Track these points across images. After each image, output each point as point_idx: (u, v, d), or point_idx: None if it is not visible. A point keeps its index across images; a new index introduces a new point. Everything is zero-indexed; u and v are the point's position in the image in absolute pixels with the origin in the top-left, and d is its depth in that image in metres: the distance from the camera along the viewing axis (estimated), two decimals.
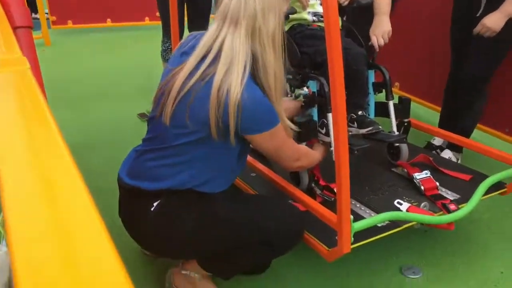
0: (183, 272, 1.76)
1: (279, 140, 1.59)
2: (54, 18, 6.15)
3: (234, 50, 1.47)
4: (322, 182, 1.97)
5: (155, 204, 1.55)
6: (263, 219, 1.63)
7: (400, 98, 2.23)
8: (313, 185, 2.01)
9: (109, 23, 6.44)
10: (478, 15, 2.47)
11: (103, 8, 6.34)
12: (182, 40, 1.65)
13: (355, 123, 2.11)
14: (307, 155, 1.79)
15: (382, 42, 2.19)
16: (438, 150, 2.78)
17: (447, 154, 2.73)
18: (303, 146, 1.81)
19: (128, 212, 1.64)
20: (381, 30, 2.22)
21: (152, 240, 1.62)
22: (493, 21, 2.36)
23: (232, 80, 1.43)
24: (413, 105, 3.25)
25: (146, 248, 1.72)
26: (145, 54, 5.04)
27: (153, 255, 1.95)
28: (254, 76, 1.52)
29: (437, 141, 2.87)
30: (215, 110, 1.43)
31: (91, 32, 6.36)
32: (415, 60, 3.33)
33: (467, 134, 2.66)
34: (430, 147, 2.84)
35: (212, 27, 1.54)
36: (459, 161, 2.70)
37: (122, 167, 1.67)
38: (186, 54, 1.56)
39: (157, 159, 1.56)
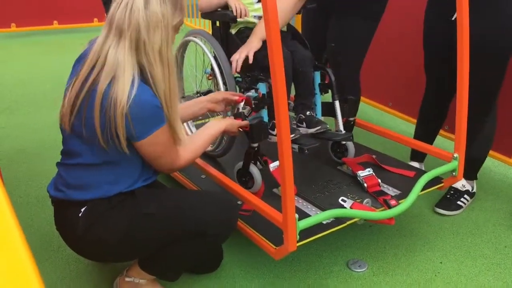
0: (127, 279, 1.75)
1: (162, 144, 1.57)
2: None
3: (119, 61, 1.47)
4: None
5: (82, 210, 1.57)
6: (190, 210, 1.65)
7: (345, 98, 2.30)
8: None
9: (56, 25, 6.27)
10: (453, 18, 2.19)
11: (49, 9, 6.16)
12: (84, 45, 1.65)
13: (304, 123, 2.17)
14: (181, 164, 1.70)
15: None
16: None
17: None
18: (183, 158, 1.69)
19: (60, 222, 1.66)
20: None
21: (86, 246, 1.63)
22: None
23: (118, 92, 1.43)
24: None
25: (83, 255, 1.72)
26: None
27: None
28: (147, 83, 1.52)
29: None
30: (99, 119, 1.45)
31: (37, 35, 6.18)
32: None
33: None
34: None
35: (101, 34, 1.54)
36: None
37: (51, 181, 1.70)
38: (78, 62, 1.59)
39: (76, 171, 1.59)
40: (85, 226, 1.57)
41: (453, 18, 2.20)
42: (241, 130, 1.98)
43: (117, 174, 1.59)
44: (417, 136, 2.64)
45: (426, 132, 2.64)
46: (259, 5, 2.28)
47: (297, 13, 2.52)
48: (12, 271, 0.52)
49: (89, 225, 1.57)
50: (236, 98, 2.04)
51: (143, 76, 1.52)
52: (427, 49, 2.48)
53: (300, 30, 3.01)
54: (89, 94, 1.47)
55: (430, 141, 2.61)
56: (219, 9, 2.35)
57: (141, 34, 1.47)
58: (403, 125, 3.34)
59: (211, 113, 2.25)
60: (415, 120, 2.74)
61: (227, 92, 2.10)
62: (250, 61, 2.06)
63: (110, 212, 1.58)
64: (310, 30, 2.70)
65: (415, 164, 2.63)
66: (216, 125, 1.86)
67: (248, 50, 2.07)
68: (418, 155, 2.66)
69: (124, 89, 1.43)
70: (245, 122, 1.97)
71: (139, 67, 1.50)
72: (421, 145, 2.35)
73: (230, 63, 2.13)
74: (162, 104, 1.53)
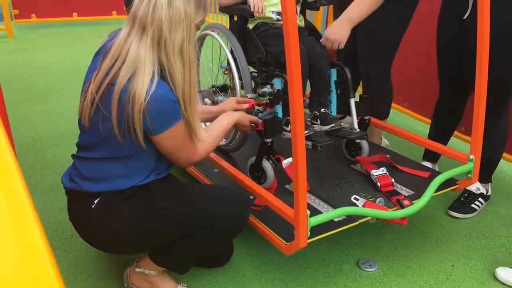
0: (137, 270, 1.76)
1: (179, 138, 1.57)
2: (16, 11, 6.01)
3: (140, 58, 1.46)
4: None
5: (95, 201, 1.58)
6: (203, 204, 1.65)
7: (360, 96, 2.29)
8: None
9: (75, 17, 6.34)
10: (465, 17, 2.19)
11: (69, 1, 6.23)
12: (103, 38, 1.65)
13: (318, 120, 2.17)
14: (197, 157, 1.71)
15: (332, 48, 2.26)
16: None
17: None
18: (200, 151, 1.70)
19: (73, 213, 1.68)
20: (333, 37, 2.21)
21: (98, 237, 1.64)
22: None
23: (137, 88, 1.43)
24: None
25: (95, 246, 1.73)
26: None
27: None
28: (165, 80, 1.52)
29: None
30: (116, 113, 1.46)
31: (56, 26, 6.25)
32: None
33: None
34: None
35: (123, 30, 1.53)
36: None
37: (65, 172, 1.71)
38: (98, 54, 1.59)
39: (90, 164, 1.61)
40: (97, 217, 1.58)
41: (465, 17, 2.18)
42: (253, 125, 1.99)
43: (130, 169, 1.60)
44: (432, 136, 2.61)
45: (440, 133, 2.60)
46: (277, 0, 2.27)
47: (314, 10, 2.51)
48: (28, 256, 0.53)
49: (101, 217, 1.58)
50: (246, 106, 2.04)
51: (163, 73, 1.52)
52: (440, 50, 2.45)
53: (318, 27, 2.99)
54: (108, 89, 1.48)
55: (445, 142, 2.58)
56: (238, 4, 2.35)
57: (163, 31, 1.47)
58: (419, 126, 3.31)
59: None
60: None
61: (235, 98, 2.09)
62: (342, 46, 2.22)
63: (123, 205, 1.59)
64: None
65: (428, 164, 2.59)
66: (228, 117, 1.87)
67: (340, 41, 2.20)
68: (432, 156, 2.63)
69: (143, 86, 1.44)
70: (256, 118, 1.98)
71: (159, 64, 1.50)
72: (436, 146, 2.33)
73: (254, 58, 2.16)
74: (179, 101, 1.54)
